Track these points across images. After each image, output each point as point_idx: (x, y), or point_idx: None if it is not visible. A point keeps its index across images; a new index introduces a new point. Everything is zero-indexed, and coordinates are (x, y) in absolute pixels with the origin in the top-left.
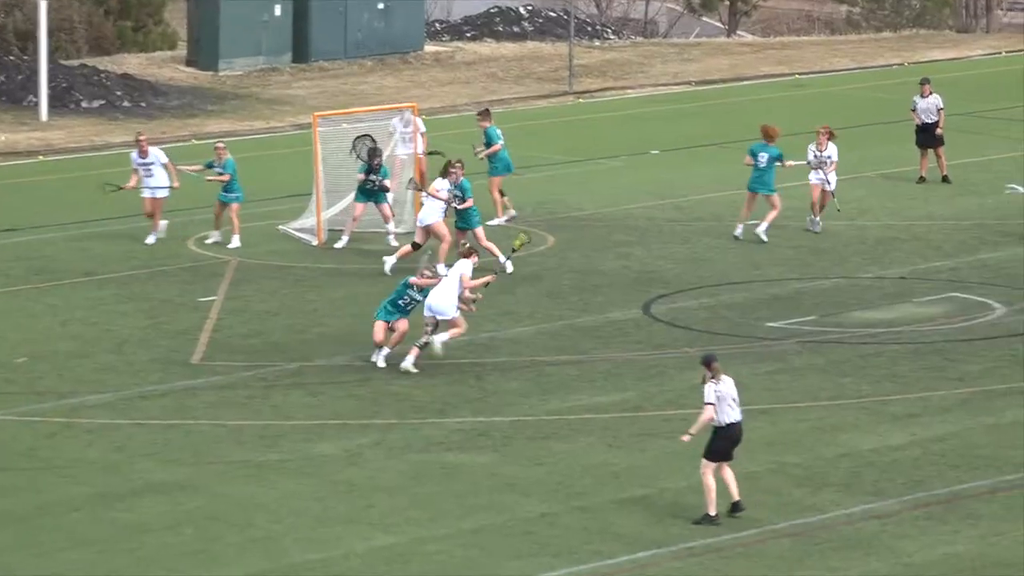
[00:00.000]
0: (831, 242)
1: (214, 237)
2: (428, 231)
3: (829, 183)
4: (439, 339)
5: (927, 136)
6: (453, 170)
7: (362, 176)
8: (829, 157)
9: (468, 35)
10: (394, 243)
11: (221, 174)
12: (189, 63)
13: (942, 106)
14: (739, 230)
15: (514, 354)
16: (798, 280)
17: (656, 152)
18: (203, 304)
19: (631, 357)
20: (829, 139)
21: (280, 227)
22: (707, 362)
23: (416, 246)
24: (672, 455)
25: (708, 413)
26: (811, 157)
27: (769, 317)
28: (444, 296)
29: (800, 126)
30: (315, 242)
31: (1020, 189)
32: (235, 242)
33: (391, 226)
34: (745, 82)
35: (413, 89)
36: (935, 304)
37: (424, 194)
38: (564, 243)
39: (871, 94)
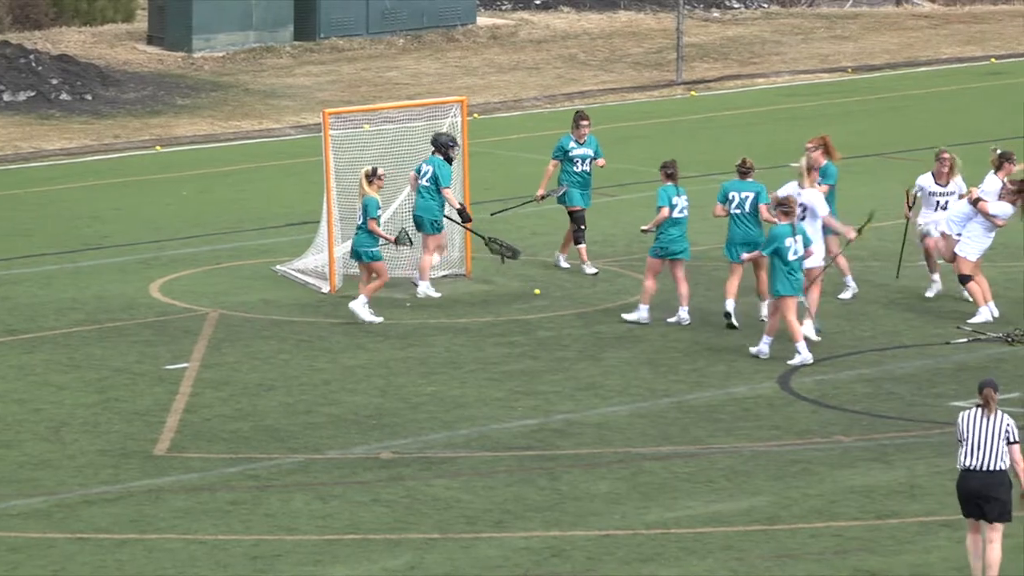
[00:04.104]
0: None
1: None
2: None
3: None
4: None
5: None
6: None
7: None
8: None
9: (537, 2)
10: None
11: None
12: (151, 40)
13: None
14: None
15: (601, 444)
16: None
17: (795, 165)
18: (171, 373)
19: (763, 449)
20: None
21: (276, 268)
22: (982, 387)
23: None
24: None
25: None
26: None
27: (955, 393)
28: None
29: (996, 129)
30: (326, 289)
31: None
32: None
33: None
34: (921, 68)
35: (462, 76)
36: None
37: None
38: (667, 292)
39: None
